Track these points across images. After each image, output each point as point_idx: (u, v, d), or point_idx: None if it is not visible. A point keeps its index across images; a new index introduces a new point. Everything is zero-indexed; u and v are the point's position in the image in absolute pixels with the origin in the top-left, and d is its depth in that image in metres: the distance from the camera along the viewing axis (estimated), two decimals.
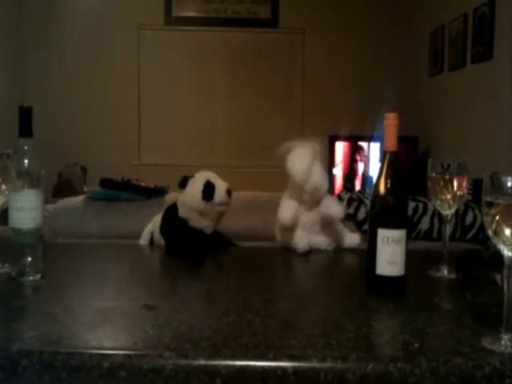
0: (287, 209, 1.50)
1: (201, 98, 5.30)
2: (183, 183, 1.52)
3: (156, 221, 1.60)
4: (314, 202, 1.51)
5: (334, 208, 1.51)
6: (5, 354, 0.80)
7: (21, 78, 5.05)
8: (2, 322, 0.91)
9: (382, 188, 1.12)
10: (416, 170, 2.27)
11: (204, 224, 1.51)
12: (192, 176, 1.53)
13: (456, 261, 1.24)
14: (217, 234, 1.56)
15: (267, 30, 5.29)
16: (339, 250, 1.53)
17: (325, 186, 1.50)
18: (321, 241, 1.53)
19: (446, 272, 1.27)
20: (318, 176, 1.49)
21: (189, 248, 1.48)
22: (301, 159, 1.48)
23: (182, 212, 1.52)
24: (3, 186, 1.22)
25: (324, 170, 1.52)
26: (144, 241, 1.63)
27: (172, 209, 1.55)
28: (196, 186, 1.49)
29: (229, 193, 1.50)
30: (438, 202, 1.28)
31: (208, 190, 1.48)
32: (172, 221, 1.54)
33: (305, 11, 5.22)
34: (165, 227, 1.56)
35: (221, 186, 1.49)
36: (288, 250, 1.50)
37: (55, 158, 4.48)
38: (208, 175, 1.51)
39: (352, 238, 1.54)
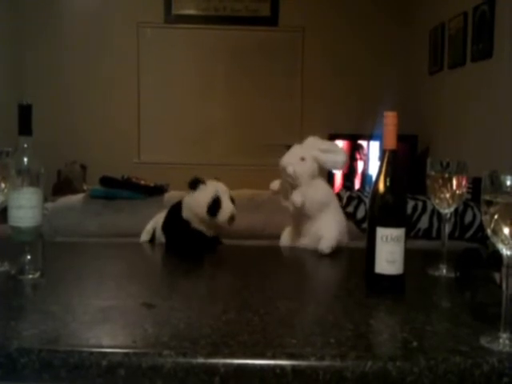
0: (277, 180, 1.55)
1: (200, 95, 5.30)
2: (193, 185, 1.50)
3: (159, 218, 1.60)
4: (294, 187, 1.48)
5: (293, 195, 1.46)
6: (4, 352, 0.80)
7: (20, 75, 5.05)
8: (1, 320, 0.91)
9: (381, 186, 1.12)
10: (415, 168, 2.27)
11: (204, 229, 1.50)
12: (203, 181, 1.50)
13: (455, 260, 1.24)
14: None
15: (267, 28, 5.28)
16: (337, 248, 1.48)
17: (294, 169, 1.45)
18: (304, 241, 1.49)
19: (444, 271, 1.27)
20: (287, 156, 1.49)
21: (189, 248, 1.48)
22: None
23: (186, 213, 1.51)
24: (3, 184, 1.21)
25: (306, 160, 1.47)
26: (145, 237, 1.62)
27: (176, 208, 1.54)
28: (205, 196, 1.48)
29: (232, 218, 1.47)
30: (437, 201, 1.28)
31: (214, 207, 1.46)
32: (175, 220, 1.54)
33: (305, 9, 5.21)
34: (167, 225, 1.56)
35: (226, 209, 1.47)
36: (287, 249, 1.50)
37: (55, 156, 4.47)
38: (219, 189, 1.49)
39: (322, 245, 1.44)
